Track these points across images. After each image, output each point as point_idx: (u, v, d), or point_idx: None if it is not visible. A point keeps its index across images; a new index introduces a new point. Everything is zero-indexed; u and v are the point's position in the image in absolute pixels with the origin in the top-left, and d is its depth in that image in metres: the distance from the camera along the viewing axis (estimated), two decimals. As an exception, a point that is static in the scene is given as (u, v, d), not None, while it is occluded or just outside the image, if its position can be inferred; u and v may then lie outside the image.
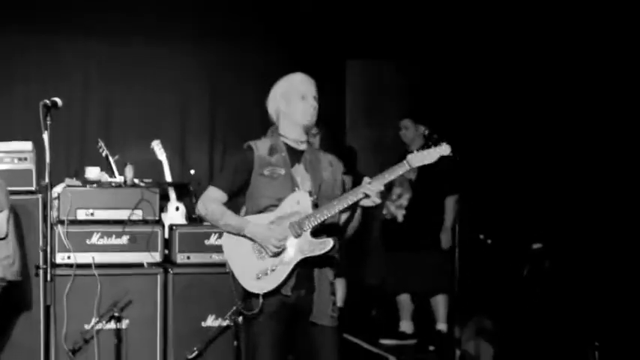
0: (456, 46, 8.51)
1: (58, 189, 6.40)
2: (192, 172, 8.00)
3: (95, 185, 6.56)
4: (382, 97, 8.96)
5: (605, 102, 7.59)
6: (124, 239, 6.39)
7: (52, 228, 6.20)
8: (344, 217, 4.40)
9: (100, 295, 6.20)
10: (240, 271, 4.35)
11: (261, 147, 4.40)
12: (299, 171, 4.39)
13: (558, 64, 7.93)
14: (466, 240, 6.96)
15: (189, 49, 8.39)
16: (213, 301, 6.36)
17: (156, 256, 6.43)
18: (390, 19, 8.52)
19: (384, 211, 7.41)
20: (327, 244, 4.26)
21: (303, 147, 4.46)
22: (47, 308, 6.08)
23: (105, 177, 6.79)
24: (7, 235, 5.69)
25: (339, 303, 7.26)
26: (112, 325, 6.19)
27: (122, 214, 6.42)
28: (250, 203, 4.40)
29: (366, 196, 4.20)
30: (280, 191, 4.31)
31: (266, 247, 4.28)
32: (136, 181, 6.66)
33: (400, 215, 7.37)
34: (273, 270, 4.28)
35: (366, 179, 4.23)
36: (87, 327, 6.19)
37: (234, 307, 5.93)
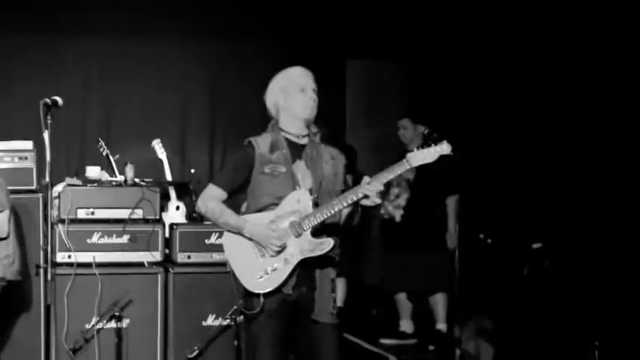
0: (456, 45, 8.51)
1: (58, 188, 6.40)
2: (192, 171, 8.01)
3: (96, 184, 6.56)
4: (382, 97, 8.95)
5: (604, 102, 7.60)
6: (125, 238, 6.39)
7: (52, 227, 6.21)
8: (346, 210, 4.37)
9: (100, 295, 6.20)
10: (240, 270, 4.35)
11: (262, 144, 4.38)
12: (300, 167, 4.37)
13: (558, 64, 7.93)
14: (466, 239, 6.97)
15: (189, 49, 8.39)
16: (214, 300, 6.35)
17: (156, 256, 6.43)
18: (390, 19, 8.52)
19: (382, 211, 7.41)
20: (327, 244, 4.26)
21: (304, 141, 4.44)
22: (48, 307, 6.08)
23: (105, 176, 6.79)
24: (8, 235, 5.70)
25: (339, 303, 7.27)
26: (112, 324, 6.18)
27: (123, 214, 6.41)
28: (251, 200, 4.40)
29: (366, 196, 4.20)
30: (281, 189, 4.31)
31: (266, 247, 4.28)
32: (137, 180, 6.66)
33: (398, 215, 7.37)
34: (273, 270, 4.28)
35: (366, 178, 4.22)
36: (87, 326, 6.18)
37: (235, 307, 5.94)
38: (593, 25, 7.54)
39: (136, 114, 8.30)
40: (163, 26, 8.17)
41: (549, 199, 7.93)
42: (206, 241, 6.52)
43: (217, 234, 6.42)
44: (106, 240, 6.35)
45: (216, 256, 6.43)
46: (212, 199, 4.38)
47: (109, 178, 6.77)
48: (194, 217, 7.35)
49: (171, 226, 6.63)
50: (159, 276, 6.37)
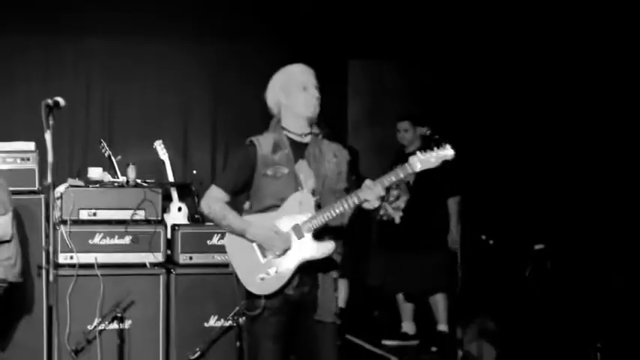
0: (458, 46, 8.51)
1: (60, 189, 6.41)
2: (194, 172, 8.01)
3: (98, 185, 6.57)
4: (384, 98, 8.95)
5: (605, 103, 7.60)
6: (127, 239, 6.39)
7: (54, 228, 6.20)
8: (349, 212, 4.35)
9: (102, 296, 6.20)
10: (242, 271, 4.34)
11: (264, 144, 4.35)
12: (302, 168, 4.34)
13: (559, 65, 7.93)
14: (468, 241, 6.96)
15: (190, 49, 8.39)
16: (216, 301, 6.36)
17: (158, 257, 6.43)
18: (392, 19, 8.51)
19: (382, 212, 7.40)
20: (328, 247, 4.26)
21: (306, 139, 4.40)
22: (50, 308, 6.09)
23: (107, 177, 6.79)
24: (11, 238, 5.70)
25: (342, 304, 7.27)
26: (114, 325, 6.18)
27: (125, 215, 6.42)
28: (254, 201, 4.38)
29: (366, 200, 4.19)
30: (283, 191, 4.29)
31: (268, 250, 4.27)
32: (139, 181, 6.67)
33: (397, 217, 7.36)
34: (275, 272, 4.27)
35: (368, 182, 4.20)
36: (90, 327, 6.19)
37: (237, 308, 5.94)
38: (593, 24, 7.53)
39: (138, 115, 8.30)
40: (164, 26, 8.16)
41: (551, 200, 7.92)
42: (208, 242, 6.52)
43: (219, 235, 6.42)
44: (108, 241, 6.35)
45: (218, 257, 6.44)
46: (215, 201, 4.37)
47: (111, 179, 6.78)
48: (196, 218, 7.37)
49: (173, 227, 6.63)
50: (161, 277, 6.37)
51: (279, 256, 4.26)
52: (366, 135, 8.90)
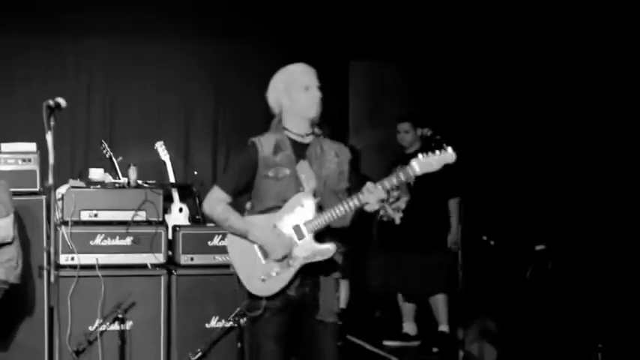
0: (459, 47, 8.50)
1: (61, 190, 6.42)
2: (195, 173, 8.01)
3: (99, 186, 6.57)
4: (385, 99, 8.94)
5: (606, 105, 7.59)
6: (128, 240, 6.39)
7: (55, 229, 6.20)
8: (351, 214, 4.35)
9: (103, 297, 6.20)
10: (244, 272, 4.35)
11: (265, 145, 4.34)
12: (304, 168, 4.34)
13: (560, 66, 7.93)
14: (469, 241, 6.96)
15: (191, 50, 8.37)
16: (217, 302, 6.36)
17: (159, 258, 6.44)
18: (393, 20, 8.51)
19: (382, 212, 7.40)
20: (329, 250, 4.26)
21: (308, 140, 4.40)
22: (51, 309, 6.10)
23: (108, 178, 6.80)
24: (13, 240, 5.71)
25: (343, 304, 7.27)
26: (115, 326, 6.18)
27: (126, 215, 6.42)
28: (255, 201, 4.39)
29: (367, 202, 4.20)
30: (285, 192, 4.29)
31: (270, 252, 4.26)
32: (140, 182, 6.67)
33: (397, 218, 7.36)
34: (277, 273, 4.27)
35: (369, 185, 4.19)
36: (91, 328, 6.19)
37: (238, 309, 5.95)
38: (593, 24, 7.53)
39: (139, 115, 8.28)
40: (165, 26, 8.15)
41: (552, 201, 7.92)
42: (209, 242, 6.52)
43: (220, 236, 6.42)
44: (109, 242, 6.35)
45: (219, 258, 6.44)
46: (218, 202, 4.37)
47: (112, 180, 6.79)
48: (197, 218, 7.37)
49: (175, 227, 6.63)
50: (162, 278, 6.37)
51: (280, 259, 4.26)
52: (367, 135, 8.90)
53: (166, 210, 7.13)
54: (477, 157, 7.77)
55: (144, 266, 6.41)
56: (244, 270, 4.34)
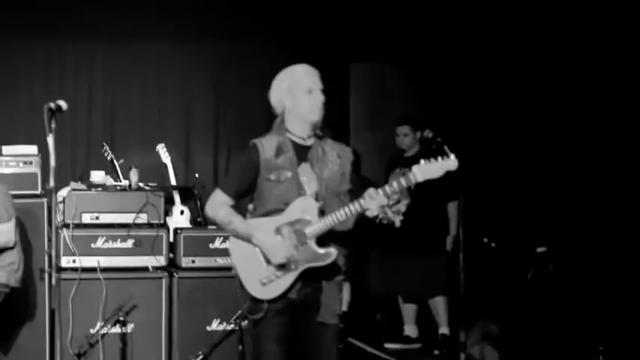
0: (460, 49, 8.50)
1: (63, 193, 6.42)
2: (196, 175, 8.01)
3: (100, 189, 6.57)
4: (386, 101, 8.93)
5: (604, 107, 7.60)
6: (129, 243, 6.39)
7: (57, 232, 6.21)
8: (353, 219, 4.36)
9: (105, 299, 6.20)
10: (246, 275, 4.34)
11: (267, 147, 4.33)
12: (305, 171, 4.33)
13: (562, 68, 7.93)
14: (471, 243, 6.95)
15: (192, 52, 8.37)
16: (218, 305, 6.36)
17: (161, 260, 6.44)
18: (394, 22, 8.51)
19: (381, 215, 7.37)
20: (330, 255, 4.25)
21: (310, 142, 4.38)
22: (52, 312, 6.09)
23: (110, 180, 6.80)
24: (15, 244, 5.71)
25: (344, 307, 7.26)
26: (117, 329, 6.18)
27: (127, 218, 6.42)
28: (258, 204, 4.37)
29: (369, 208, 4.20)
30: (286, 195, 4.28)
31: (271, 257, 4.26)
32: (141, 184, 6.67)
33: (398, 220, 7.36)
34: (278, 277, 4.27)
35: (371, 191, 4.18)
36: (92, 331, 6.20)
37: (239, 311, 5.94)
38: (593, 25, 7.53)
39: (140, 118, 8.28)
40: (165, 28, 8.14)
41: (553, 203, 7.92)
42: (210, 245, 6.52)
43: (222, 238, 6.43)
44: (110, 244, 6.36)
45: (220, 261, 6.44)
46: (220, 205, 4.36)
47: (114, 183, 6.79)
48: (198, 221, 7.36)
49: (176, 230, 6.63)
50: (163, 280, 6.37)
51: (282, 264, 4.25)
52: (367, 138, 8.90)
53: (167, 212, 7.12)
54: (478, 159, 7.77)
55: (145, 269, 6.41)
56: (246, 273, 4.33)
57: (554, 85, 8.02)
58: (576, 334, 6.85)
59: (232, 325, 6.25)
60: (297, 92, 4.32)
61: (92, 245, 6.33)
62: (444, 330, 7.32)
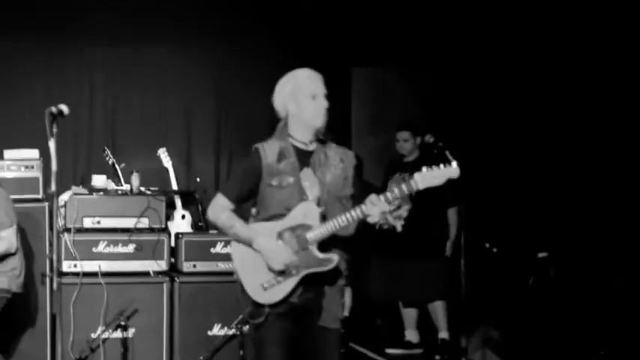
0: (462, 53, 8.50)
1: (64, 197, 6.42)
2: (198, 179, 8.00)
3: (101, 193, 6.58)
4: (388, 106, 8.93)
5: (604, 112, 7.60)
6: (131, 247, 6.39)
7: (58, 236, 6.21)
8: (354, 224, 4.36)
9: (106, 304, 6.20)
10: (247, 279, 4.33)
11: (269, 152, 4.31)
12: (307, 176, 4.32)
13: (563, 72, 7.93)
14: (472, 249, 6.95)
15: (193, 55, 8.37)
16: (219, 309, 6.36)
17: (162, 265, 6.44)
18: (396, 26, 8.51)
19: (382, 221, 7.36)
20: (332, 261, 4.25)
21: (312, 147, 4.36)
22: (53, 317, 6.09)
23: (111, 185, 6.81)
24: (17, 250, 5.71)
25: (345, 312, 7.24)
26: (118, 333, 6.19)
27: (128, 222, 6.42)
28: (261, 208, 4.37)
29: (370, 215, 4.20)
30: (288, 200, 4.28)
31: (271, 263, 4.25)
32: (142, 189, 6.67)
33: (399, 225, 7.34)
34: (279, 282, 4.26)
35: (373, 197, 4.18)
36: (93, 336, 6.19)
37: (241, 316, 5.94)
38: (593, 27, 7.53)
39: (142, 122, 8.27)
40: (167, 31, 8.15)
41: (555, 208, 7.92)
42: (212, 250, 6.52)
43: (223, 243, 6.43)
44: (111, 249, 6.36)
45: (221, 265, 6.44)
46: (222, 209, 4.36)
47: (115, 187, 6.79)
48: (200, 225, 7.36)
49: (177, 235, 6.63)
50: (164, 285, 6.37)
51: (283, 271, 4.24)
52: (369, 142, 8.89)
53: (169, 217, 7.12)
54: (480, 164, 7.76)
55: (146, 273, 6.41)
56: (247, 277, 4.33)
57: (554, 92, 8.03)
58: (577, 339, 6.85)
59: (233, 330, 6.26)
60: (300, 97, 4.30)
61: (93, 250, 6.33)
62: (443, 335, 7.32)
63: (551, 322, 7.15)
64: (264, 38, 8.36)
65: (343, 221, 4.21)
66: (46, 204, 6.29)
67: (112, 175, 7.16)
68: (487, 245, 7.53)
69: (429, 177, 4.16)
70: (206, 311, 6.39)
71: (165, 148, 7.60)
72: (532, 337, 7.08)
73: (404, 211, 7.31)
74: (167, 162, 7.54)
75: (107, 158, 7.43)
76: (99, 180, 6.81)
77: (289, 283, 4.26)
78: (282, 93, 4.36)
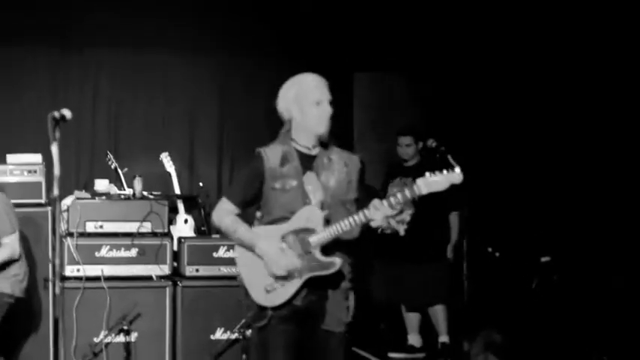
0: (464, 58, 8.51)
1: (67, 201, 6.42)
2: (200, 184, 8.01)
3: (104, 197, 6.58)
4: (390, 110, 8.93)
5: (605, 115, 7.60)
6: (133, 252, 6.40)
7: (61, 240, 6.22)
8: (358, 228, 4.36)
9: (109, 308, 6.20)
10: (250, 283, 4.34)
11: (272, 156, 4.32)
12: (311, 179, 4.32)
13: (566, 81, 7.93)
14: (475, 253, 6.95)
15: (197, 61, 8.38)
16: (222, 313, 6.36)
17: (165, 269, 6.44)
18: (398, 32, 8.52)
19: (385, 225, 7.36)
20: (334, 264, 4.25)
21: (315, 152, 4.37)
22: (56, 321, 6.11)
23: (114, 189, 6.81)
24: (20, 257, 5.72)
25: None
26: (121, 338, 6.19)
27: (131, 227, 6.43)
28: (264, 211, 4.37)
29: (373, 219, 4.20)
30: (292, 204, 4.28)
31: (273, 268, 4.25)
32: (145, 193, 6.68)
33: (402, 230, 7.35)
34: (282, 285, 4.27)
35: (376, 202, 4.19)
36: (96, 340, 6.19)
37: (243, 320, 5.94)
38: (593, 29, 7.54)
39: (145, 127, 8.27)
40: (170, 37, 8.16)
41: (558, 213, 7.91)
42: (214, 254, 6.52)
43: (225, 247, 6.43)
44: (114, 253, 6.36)
45: (224, 270, 6.44)
46: (226, 213, 4.36)
47: (118, 192, 6.79)
48: (202, 230, 7.36)
49: (180, 239, 6.63)
50: (167, 289, 6.37)
51: (284, 275, 4.24)
52: (371, 147, 8.89)
53: (171, 221, 7.12)
54: (482, 168, 7.77)
55: (149, 278, 6.41)
56: (250, 280, 4.33)
57: (556, 96, 8.03)
58: (580, 343, 6.84)
59: (236, 334, 6.25)
60: (304, 103, 4.30)
61: (96, 254, 6.34)
62: (444, 338, 7.32)
63: (554, 327, 7.15)
64: (267, 44, 8.37)
65: (346, 225, 4.21)
66: (49, 208, 6.30)
67: (115, 180, 7.16)
68: (490, 249, 7.53)
69: (432, 183, 4.18)
70: (209, 315, 6.39)
71: (167, 153, 7.60)
72: (535, 341, 7.08)
73: (407, 216, 7.31)
74: (170, 166, 7.54)
75: (110, 163, 7.43)
76: (101, 184, 6.81)
77: (292, 286, 4.26)
78: (287, 97, 4.36)
